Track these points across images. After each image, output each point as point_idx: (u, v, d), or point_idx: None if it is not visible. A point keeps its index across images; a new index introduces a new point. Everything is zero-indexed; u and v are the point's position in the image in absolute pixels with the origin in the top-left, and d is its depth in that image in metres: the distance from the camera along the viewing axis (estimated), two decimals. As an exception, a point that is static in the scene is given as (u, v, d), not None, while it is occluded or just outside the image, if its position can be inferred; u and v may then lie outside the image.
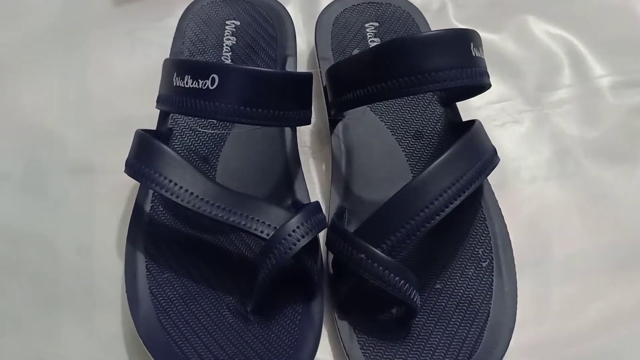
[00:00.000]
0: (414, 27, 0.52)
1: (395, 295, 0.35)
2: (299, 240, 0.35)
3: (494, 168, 0.40)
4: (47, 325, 0.39)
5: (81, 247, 0.42)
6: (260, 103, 0.36)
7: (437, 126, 0.46)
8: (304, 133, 0.47)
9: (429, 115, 0.47)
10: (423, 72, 0.36)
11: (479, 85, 0.39)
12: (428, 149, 0.45)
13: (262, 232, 0.36)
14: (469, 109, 0.48)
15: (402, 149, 0.45)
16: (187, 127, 0.45)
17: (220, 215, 0.36)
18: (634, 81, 0.50)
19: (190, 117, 0.45)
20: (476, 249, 0.41)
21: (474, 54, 0.37)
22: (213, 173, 0.44)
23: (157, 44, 0.51)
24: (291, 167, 0.44)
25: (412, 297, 0.36)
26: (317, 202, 0.38)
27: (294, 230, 0.35)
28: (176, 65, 0.38)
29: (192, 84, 0.37)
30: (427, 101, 0.47)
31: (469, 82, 0.37)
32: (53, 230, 0.43)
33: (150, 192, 0.42)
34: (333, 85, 0.42)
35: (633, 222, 0.44)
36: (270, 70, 0.37)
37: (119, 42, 0.52)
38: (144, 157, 0.38)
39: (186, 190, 0.37)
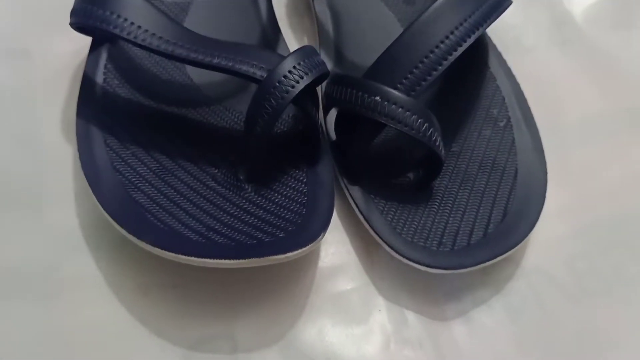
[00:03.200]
0: None
1: (419, 140, 0.30)
2: (301, 78, 0.29)
3: (506, 8, 0.35)
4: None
5: (21, 137, 0.34)
6: None
7: (428, -10, 0.41)
8: (279, 5, 0.41)
9: (418, -20, 0.42)
10: None
11: None
12: (422, 13, 0.40)
13: (254, 73, 0.29)
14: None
15: (394, 14, 0.40)
16: (140, -5, 0.38)
17: (199, 58, 0.29)
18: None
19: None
20: (490, 110, 0.36)
21: None
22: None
23: None
24: (270, 36, 0.37)
25: (437, 143, 0.30)
26: (311, 46, 0.32)
27: (293, 69, 0.29)
28: None
29: None
30: (415, -34, 0.42)
31: None
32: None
33: (102, 63, 0.34)
34: None
35: (641, 85, 0.41)
36: None
37: None
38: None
39: (153, 34, 0.30)
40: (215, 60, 0.29)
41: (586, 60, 0.42)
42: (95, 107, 0.32)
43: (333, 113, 0.34)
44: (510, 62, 0.38)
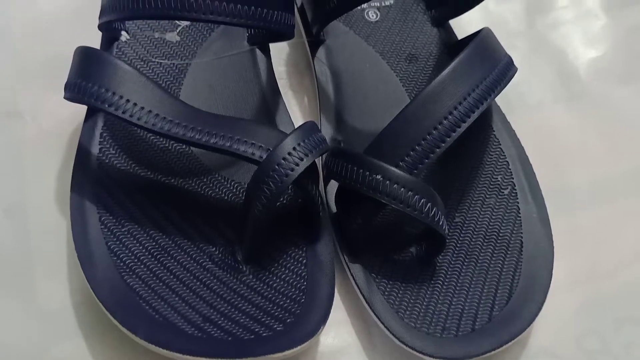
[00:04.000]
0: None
1: (422, 221, 0.29)
2: (301, 161, 0.28)
3: (512, 77, 0.34)
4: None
5: (10, 206, 0.33)
6: (239, -3, 0.29)
7: (431, 48, 0.40)
8: (279, 64, 0.40)
9: (421, 37, 0.41)
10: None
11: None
12: (425, 72, 0.39)
13: (252, 154, 0.28)
14: (460, 34, 0.43)
15: (396, 73, 0.39)
16: (137, 57, 0.37)
17: (196, 137, 0.28)
18: (627, 2, 0.47)
19: (141, 46, 0.37)
20: (494, 177, 0.35)
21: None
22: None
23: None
24: (269, 98, 0.37)
25: (440, 223, 0.29)
26: (312, 121, 0.31)
27: (293, 150, 0.28)
28: (126, -43, 0.30)
29: (149, -24, 0.29)
30: (417, 22, 0.41)
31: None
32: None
33: (97, 132, 0.33)
34: (315, -6, 0.35)
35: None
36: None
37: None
38: (89, 73, 0.29)
39: (149, 112, 0.29)
40: (213, 140, 0.28)
41: (594, 116, 0.41)
42: (90, 180, 0.31)
43: (334, 183, 0.33)
44: (515, 120, 0.37)
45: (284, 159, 0.28)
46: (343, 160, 0.30)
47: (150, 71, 0.36)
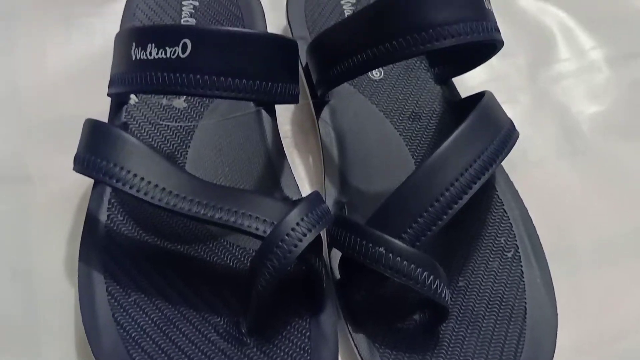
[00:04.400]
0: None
1: (424, 294, 0.29)
2: (304, 236, 0.28)
3: (515, 142, 0.35)
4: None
5: (18, 271, 0.34)
6: (244, 73, 0.30)
7: (434, 106, 0.41)
8: (284, 123, 0.41)
9: (424, 94, 0.41)
10: (432, 26, 0.31)
11: (492, 43, 0.34)
12: (428, 131, 0.40)
13: (257, 229, 0.29)
14: (461, 90, 0.43)
15: (399, 132, 0.40)
16: (145, 120, 0.37)
17: (202, 212, 0.29)
18: (630, 54, 0.47)
19: (149, 109, 0.38)
20: (498, 239, 0.35)
21: (486, 6, 0.32)
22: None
23: (99, 32, 0.44)
24: (275, 160, 0.37)
25: (442, 295, 0.30)
26: (317, 192, 0.31)
27: (296, 225, 0.29)
28: (135, 34, 0.31)
29: (157, 53, 0.30)
30: (421, 80, 0.42)
31: (483, 38, 0.32)
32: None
33: (106, 198, 0.34)
34: (319, 59, 0.36)
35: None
36: (254, 31, 0.31)
37: (53, 28, 0.44)
38: (97, 147, 0.30)
39: (156, 186, 0.30)
40: (218, 215, 0.29)
41: (597, 173, 0.41)
42: (98, 248, 0.32)
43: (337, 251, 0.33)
44: (518, 177, 0.38)
45: (288, 234, 0.28)
46: (346, 230, 0.31)
47: (158, 134, 0.37)
